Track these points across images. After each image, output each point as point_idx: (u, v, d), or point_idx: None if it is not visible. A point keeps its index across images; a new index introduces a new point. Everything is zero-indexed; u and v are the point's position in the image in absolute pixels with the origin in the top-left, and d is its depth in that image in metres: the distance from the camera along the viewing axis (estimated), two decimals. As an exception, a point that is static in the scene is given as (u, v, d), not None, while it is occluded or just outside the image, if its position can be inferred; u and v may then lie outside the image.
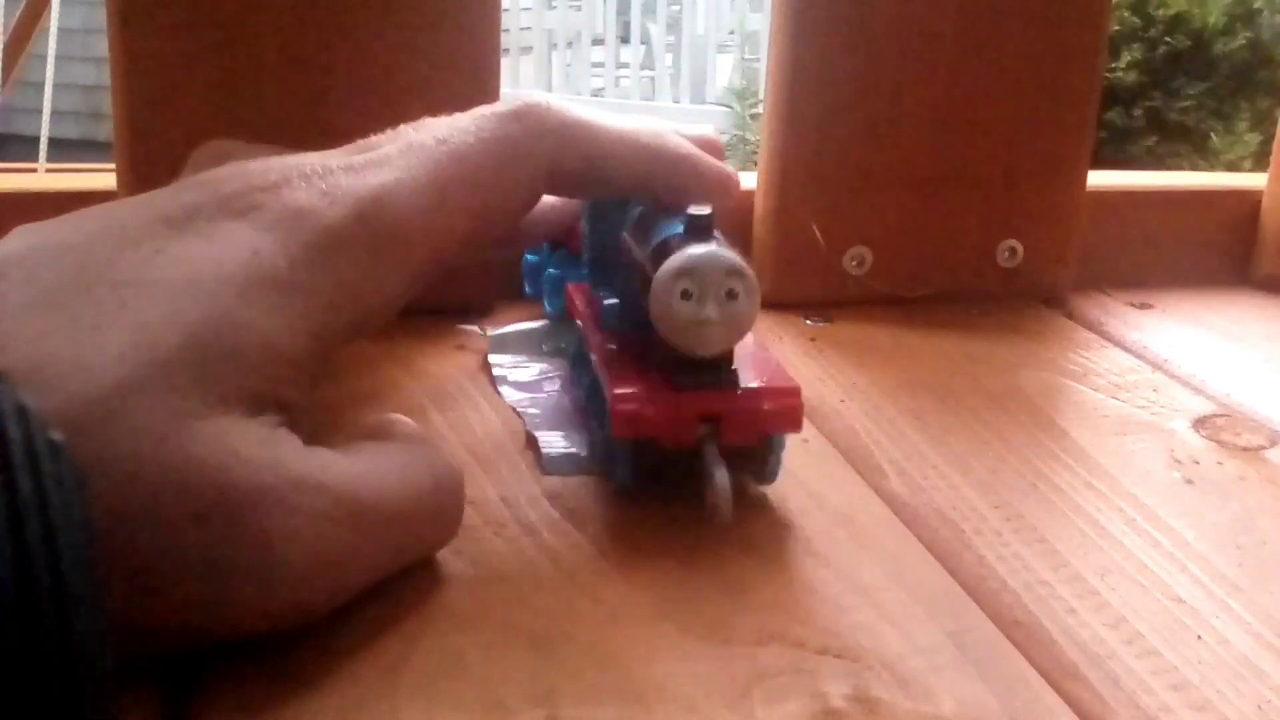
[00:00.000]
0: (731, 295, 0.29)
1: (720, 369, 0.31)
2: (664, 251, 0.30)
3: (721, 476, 0.29)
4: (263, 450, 0.24)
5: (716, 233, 0.31)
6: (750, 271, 0.29)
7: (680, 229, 0.31)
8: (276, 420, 0.25)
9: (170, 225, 0.25)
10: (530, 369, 0.41)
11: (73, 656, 0.18)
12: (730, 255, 0.29)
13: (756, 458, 0.32)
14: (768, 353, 0.33)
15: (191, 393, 0.23)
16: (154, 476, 0.22)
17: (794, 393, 0.31)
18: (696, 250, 0.29)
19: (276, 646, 0.25)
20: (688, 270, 0.29)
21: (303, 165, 0.28)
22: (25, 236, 0.25)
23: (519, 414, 0.37)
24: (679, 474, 0.31)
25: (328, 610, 0.25)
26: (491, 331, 0.43)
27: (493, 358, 0.41)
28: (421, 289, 0.29)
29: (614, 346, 0.33)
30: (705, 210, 0.30)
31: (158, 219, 0.25)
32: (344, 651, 0.25)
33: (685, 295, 0.29)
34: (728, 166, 0.34)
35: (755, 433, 0.31)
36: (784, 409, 0.31)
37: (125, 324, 0.23)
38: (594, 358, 0.33)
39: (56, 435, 0.19)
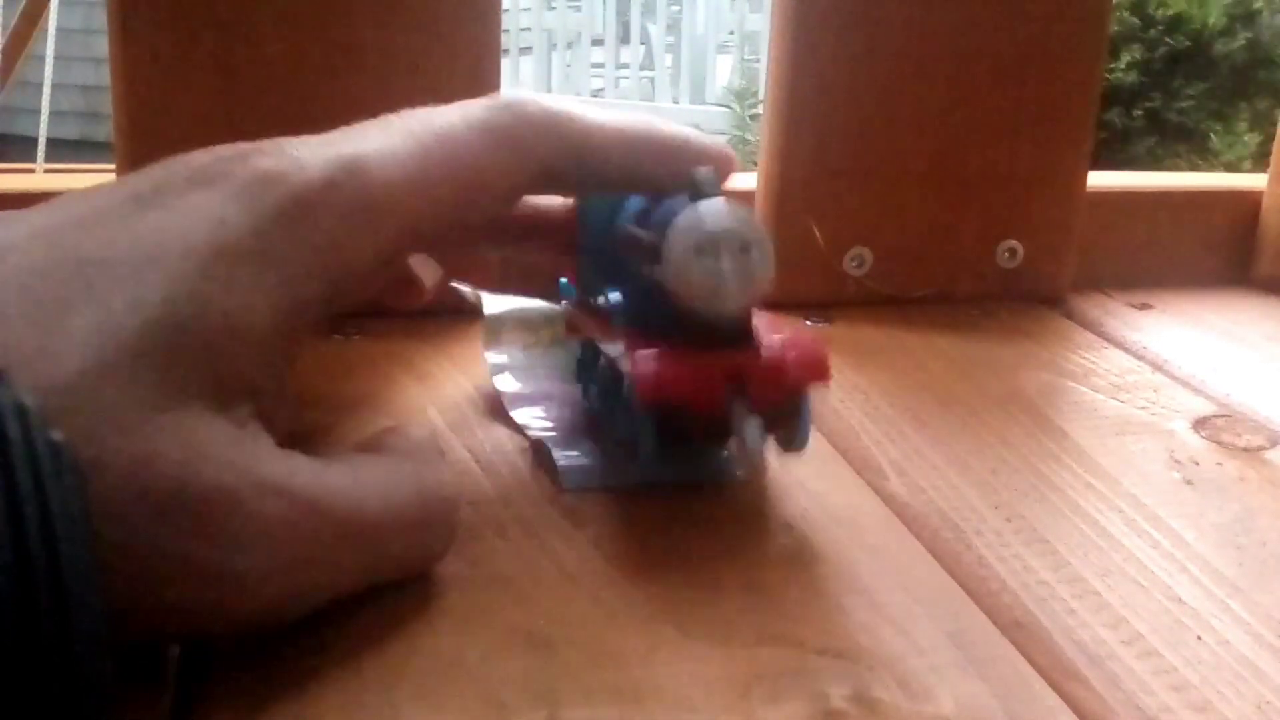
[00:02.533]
0: (745, 249, 0.29)
1: (741, 328, 0.30)
2: (672, 215, 0.30)
3: (754, 428, 0.29)
4: (227, 449, 0.23)
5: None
6: (762, 226, 0.29)
7: (685, 202, 0.30)
8: (247, 411, 0.24)
9: (139, 201, 0.25)
10: (535, 387, 0.40)
11: (72, 656, 0.18)
12: (741, 210, 0.29)
13: (785, 418, 0.31)
14: (780, 321, 0.33)
15: (155, 382, 0.22)
16: (117, 470, 0.22)
17: (818, 345, 0.30)
18: (706, 206, 0.29)
19: (277, 647, 0.25)
20: (699, 226, 0.29)
21: (278, 139, 0.27)
22: (2, 224, 0.25)
23: (523, 431, 0.37)
24: (705, 438, 0.30)
25: (294, 616, 0.24)
26: (487, 312, 0.42)
27: (497, 380, 0.40)
28: (398, 262, 0.28)
29: (622, 340, 0.33)
30: (708, 171, 0.30)
31: (128, 197, 0.25)
32: (345, 652, 0.25)
33: (699, 252, 0.29)
34: (723, 144, 0.33)
35: (783, 388, 0.30)
36: (811, 360, 0.30)
37: (90, 307, 0.23)
38: (605, 348, 0.33)
39: (56, 434, 0.19)
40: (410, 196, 0.28)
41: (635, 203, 0.34)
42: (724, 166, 0.33)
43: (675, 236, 0.29)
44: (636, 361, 0.30)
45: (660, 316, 0.31)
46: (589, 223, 0.36)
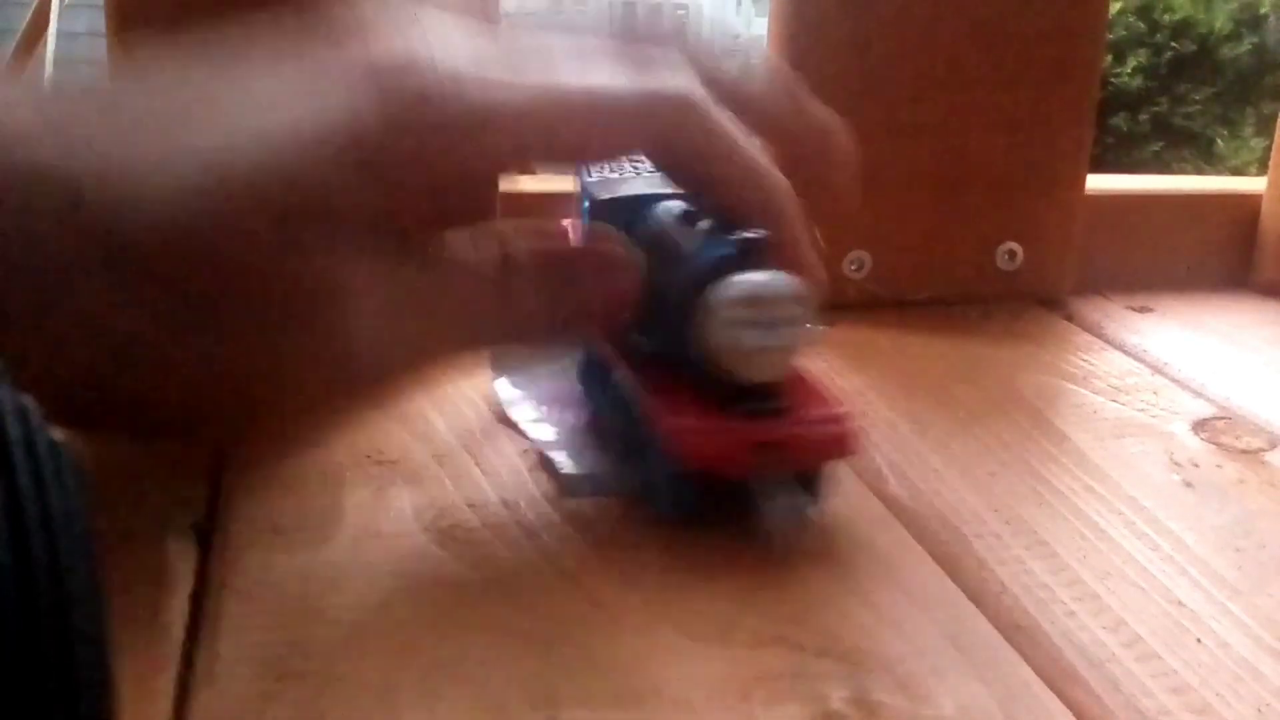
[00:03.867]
0: (790, 321, 0.29)
1: (773, 395, 0.30)
2: (716, 273, 0.29)
3: (778, 507, 0.29)
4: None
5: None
6: (809, 296, 0.29)
7: (729, 250, 0.30)
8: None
9: (277, 65, 0.28)
10: (536, 391, 0.39)
11: (72, 655, 0.18)
12: (791, 280, 0.29)
13: (805, 481, 0.31)
14: (807, 370, 0.33)
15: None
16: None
17: (847, 418, 0.31)
18: (758, 277, 0.29)
19: (277, 647, 0.25)
20: (749, 297, 0.28)
21: (425, 36, 0.28)
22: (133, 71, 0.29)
23: (522, 431, 0.36)
24: (727, 503, 0.30)
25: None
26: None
27: (497, 385, 0.39)
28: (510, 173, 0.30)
29: (634, 366, 0.33)
30: (760, 234, 0.30)
31: (269, 59, 0.28)
32: (345, 653, 0.25)
33: (745, 323, 0.29)
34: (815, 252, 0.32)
35: (810, 460, 0.30)
36: (839, 436, 0.30)
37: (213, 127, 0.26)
38: (622, 377, 0.33)
39: (57, 435, 0.19)
40: (532, 124, 0.29)
41: (663, 209, 0.33)
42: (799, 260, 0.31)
43: (721, 304, 0.29)
44: (670, 430, 0.30)
45: (685, 353, 0.30)
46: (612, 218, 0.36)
